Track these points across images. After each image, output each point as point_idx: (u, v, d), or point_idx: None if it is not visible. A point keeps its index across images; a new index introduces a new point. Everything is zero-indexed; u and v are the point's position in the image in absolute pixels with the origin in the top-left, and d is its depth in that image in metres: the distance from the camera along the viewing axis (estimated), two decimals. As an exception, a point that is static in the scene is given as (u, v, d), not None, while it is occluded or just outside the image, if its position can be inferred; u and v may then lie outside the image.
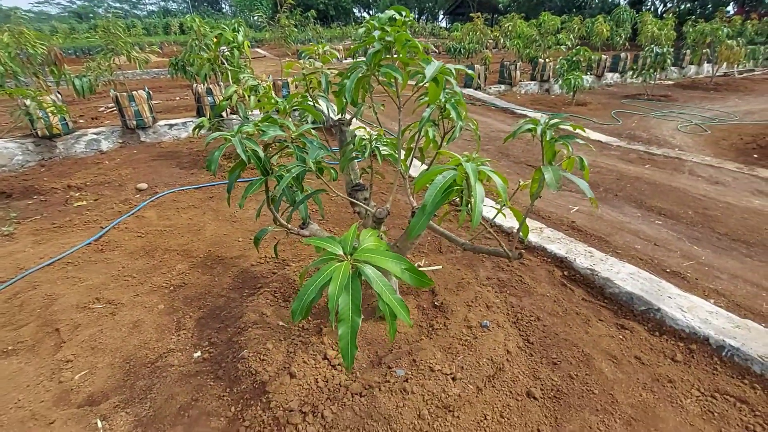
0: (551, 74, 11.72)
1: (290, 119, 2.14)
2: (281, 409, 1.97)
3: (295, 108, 1.92)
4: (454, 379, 2.09)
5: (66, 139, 6.44)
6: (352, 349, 1.24)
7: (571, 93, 9.51)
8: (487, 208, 3.67)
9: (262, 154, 1.56)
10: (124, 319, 2.65)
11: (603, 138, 6.83)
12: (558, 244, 3.26)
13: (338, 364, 2.23)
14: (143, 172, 5.50)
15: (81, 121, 7.74)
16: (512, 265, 3.14)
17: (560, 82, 9.67)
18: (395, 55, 1.50)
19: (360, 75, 1.48)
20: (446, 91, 2.04)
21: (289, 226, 2.08)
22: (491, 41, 16.64)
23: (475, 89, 11.01)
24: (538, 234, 3.44)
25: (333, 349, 2.33)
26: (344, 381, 2.12)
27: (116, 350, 2.42)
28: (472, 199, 1.30)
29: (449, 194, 1.36)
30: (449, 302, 2.64)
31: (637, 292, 2.63)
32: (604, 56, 12.96)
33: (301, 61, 2.32)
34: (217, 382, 2.19)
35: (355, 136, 1.85)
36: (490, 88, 11.29)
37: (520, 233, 1.61)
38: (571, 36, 13.34)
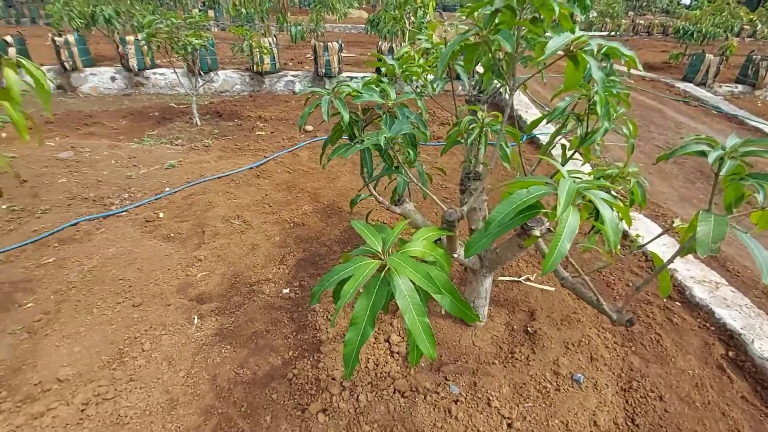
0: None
1: (409, 86, 1.96)
2: (325, 373, 2.00)
3: (406, 72, 1.73)
4: (509, 426, 1.76)
5: (272, 77, 7.61)
6: (354, 360, 1.10)
7: None
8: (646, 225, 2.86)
9: (347, 117, 1.45)
10: (247, 240, 3.06)
11: None
12: (735, 311, 2.34)
13: (396, 352, 2.13)
14: (315, 115, 6.12)
15: (289, 63, 9.00)
16: (654, 315, 2.41)
17: None
18: (523, 19, 1.15)
19: (462, 42, 1.19)
20: (611, 78, 1.55)
21: (380, 198, 1.98)
22: (746, 27, 12.48)
23: (698, 85, 8.55)
24: (711, 290, 2.53)
25: (398, 335, 2.23)
26: (394, 372, 2.01)
27: (232, 264, 2.82)
28: (557, 231, 0.94)
29: (527, 216, 1.02)
30: (545, 334, 2.19)
31: None
32: None
33: (446, 22, 2.07)
34: (289, 322, 2.35)
35: (467, 116, 1.57)
36: (720, 86, 8.58)
37: (655, 287, 1.15)
38: None
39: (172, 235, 3.11)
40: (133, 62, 6.89)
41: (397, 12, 6.03)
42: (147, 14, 6.61)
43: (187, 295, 2.53)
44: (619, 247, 0.96)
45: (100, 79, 7.04)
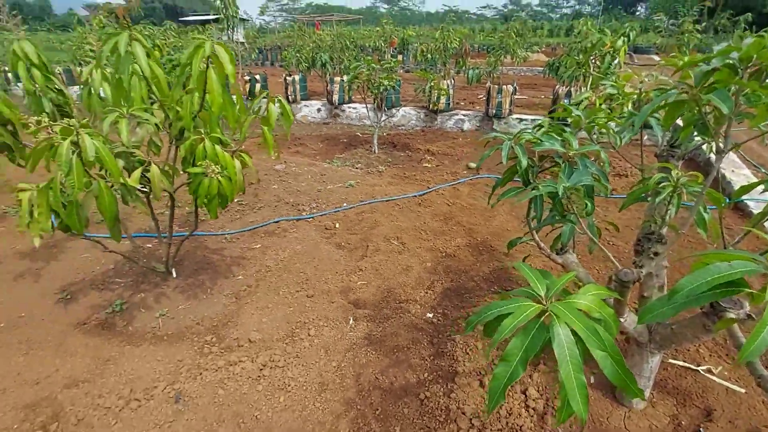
0: None
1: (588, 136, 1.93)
2: (456, 405, 2.04)
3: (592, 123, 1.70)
4: None
5: (444, 114, 8.14)
6: (500, 395, 1.14)
7: None
8: None
9: (524, 163, 1.53)
10: (402, 260, 3.35)
11: None
12: None
13: (532, 408, 2.03)
14: (480, 154, 6.29)
15: (461, 103, 9.49)
16: None
17: None
18: (746, 79, 1.06)
19: (670, 99, 1.14)
20: None
21: (542, 244, 1.96)
22: None
23: None
24: None
25: (536, 390, 2.12)
26: (526, 427, 1.92)
27: (386, 279, 3.12)
28: (763, 317, 0.83)
29: (724, 293, 0.92)
30: (731, 447, 1.78)
31: None
32: None
33: (636, 65, 1.98)
34: (428, 346, 2.48)
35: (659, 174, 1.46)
36: None
37: None
38: None
39: (343, 243, 3.62)
40: (335, 98, 8.32)
41: (581, 56, 5.80)
42: (353, 61, 7.94)
43: (347, 298, 2.91)
44: None
45: (310, 110, 8.70)
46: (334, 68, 8.79)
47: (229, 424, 1.97)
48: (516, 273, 3.20)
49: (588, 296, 1.18)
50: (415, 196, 4.60)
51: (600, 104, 3.06)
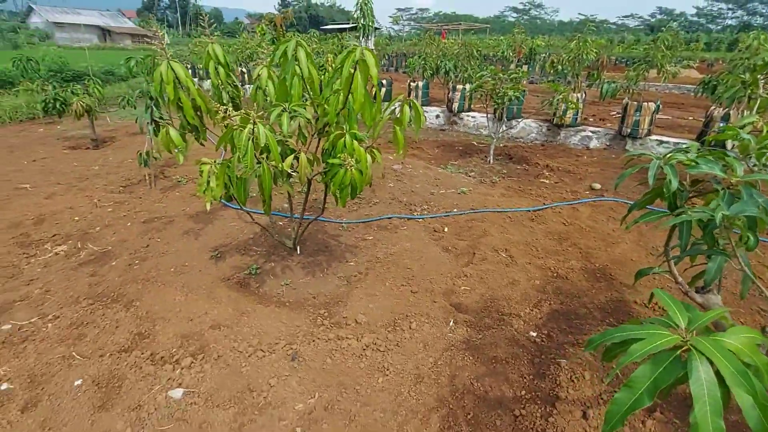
0: None
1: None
2: (553, 429, 1.96)
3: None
4: None
5: (569, 130, 7.64)
6: (617, 422, 1.09)
7: None
8: None
9: (675, 184, 1.42)
10: (509, 273, 3.28)
11: None
12: None
13: (645, 455, 1.84)
14: (607, 175, 5.76)
15: (590, 119, 8.78)
16: None
17: None
18: None
19: None
20: None
21: (680, 278, 1.78)
22: None
23: None
24: None
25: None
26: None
27: (491, 289, 3.09)
28: None
29: None
30: None
31: None
32: None
33: None
34: (528, 364, 2.40)
35: None
36: None
37: None
38: None
39: (450, 247, 3.68)
40: (455, 105, 8.40)
41: (748, 75, 4.93)
42: (477, 69, 7.91)
43: (449, 300, 2.97)
44: None
45: (429, 116, 8.92)
46: (457, 76, 8.86)
47: (334, 390, 2.19)
48: (638, 309, 2.90)
49: (739, 337, 1.07)
50: (529, 210, 4.43)
51: (767, 130, 2.64)
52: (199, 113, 2.89)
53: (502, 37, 17.31)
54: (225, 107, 2.24)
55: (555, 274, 3.30)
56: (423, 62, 9.58)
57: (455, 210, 4.36)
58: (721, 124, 6.04)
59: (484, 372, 2.35)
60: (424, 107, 8.99)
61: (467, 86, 8.25)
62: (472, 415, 2.09)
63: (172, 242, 3.63)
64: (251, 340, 2.50)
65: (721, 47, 33.65)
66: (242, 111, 2.26)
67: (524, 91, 7.01)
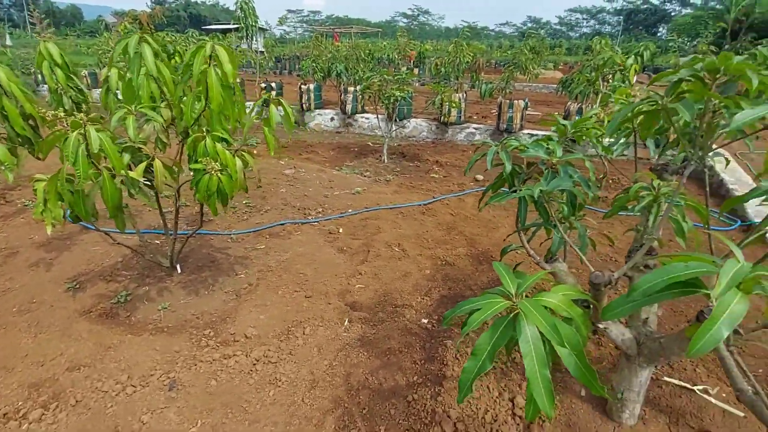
0: None
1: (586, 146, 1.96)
2: (442, 408, 2.06)
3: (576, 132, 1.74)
4: None
5: (455, 127, 8.22)
6: (468, 389, 1.17)
7: None
8: None
9: (509, 167, 1.58)
10: (402, 266, 3.38)
11: None
12: None
13: (519, 416, 2.03)
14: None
15: (474, 117, 9.54)
16: None
17: None
18: (713, 89, 1.09)
19: (636, 109, 1.18)
20: None
21: (532, 251, 1.99)
22: None
23: None
24: None
25: (524, 399, 2.12)
26: (510, 433, 1.92)
27: (384, 284, 3.16)
28: (713, 313, 0.86)
29: (680, 293, 0.95)
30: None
31: None
32: None
33: (636, 88, 2.02)
34: (420, 350, 2.50)
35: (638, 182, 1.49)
36: None
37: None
38: None
39: (344, 248, 3.68)
40: (348, 107, 8.49)
41: (593, 74, 5.83)
42: (367, 71, 8.11)
43: (344, 300, 2.96)
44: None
45: (323, 119, 8.88)
46: (349, 78, 8.98)
47: (218, 413, 2.03)
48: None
49: (557, 295, 1.22)
50: (420, 205, 4.64)
51: (607, 120, 3.11)
52: (32, 122, 2.48)
53: (385, 42, 18.07)
54: (55, 113, 1.94)
55: (444, 262, 3.50)
56: (314, 64, 9.52)
57: (350, 210, 4.39)
58: (576, 117, 7.03)
59: (379, 365, 2.39)
60: (318, 110, 8.93)
61: (358, 88, 8.40)
62: (367, 410, 2.10)
63: (17, 277, 3.05)
64: (119, 376, 2.20)
65: (578, 51, 39.45)
66: (76, 115, 1.97)
67: (410, 91, 7.35)
